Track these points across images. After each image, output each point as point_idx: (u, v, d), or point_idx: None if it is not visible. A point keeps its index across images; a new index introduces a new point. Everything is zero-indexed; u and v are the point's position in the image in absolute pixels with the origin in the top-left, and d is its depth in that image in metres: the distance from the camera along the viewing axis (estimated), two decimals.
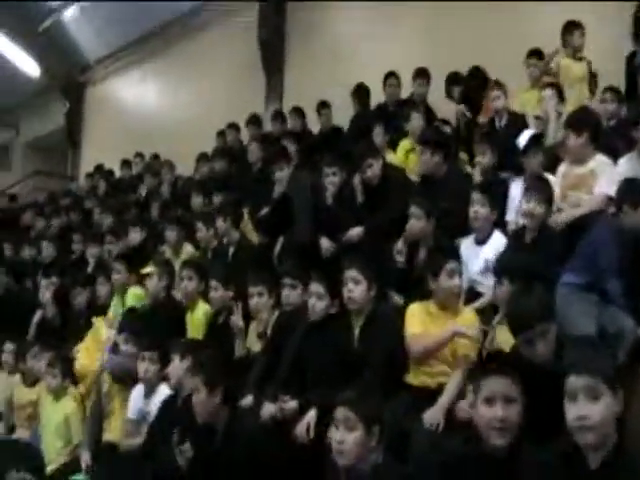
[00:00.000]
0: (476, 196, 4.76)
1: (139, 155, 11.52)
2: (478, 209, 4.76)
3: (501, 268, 4.04)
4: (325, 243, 6.09)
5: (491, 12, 8.29)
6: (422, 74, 8.02)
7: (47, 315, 7.32)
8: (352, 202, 6.20)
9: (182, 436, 3.88)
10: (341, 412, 2.95)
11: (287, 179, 6.76)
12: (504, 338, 3.83)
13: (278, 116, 9.64)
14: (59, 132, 16.49)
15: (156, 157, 11.45)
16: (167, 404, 4.60)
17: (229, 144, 9.82)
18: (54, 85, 15.73)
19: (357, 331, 4.22)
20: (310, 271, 4.66)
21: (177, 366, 4.52)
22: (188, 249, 6.92)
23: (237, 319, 5.07)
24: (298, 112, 9.29)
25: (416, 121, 6.82)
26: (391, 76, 8.33)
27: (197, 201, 8.11)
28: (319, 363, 4.20)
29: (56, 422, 5.34)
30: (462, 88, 7.32)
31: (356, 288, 4.20)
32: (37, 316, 7.50)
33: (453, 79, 7.65)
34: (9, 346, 6.46)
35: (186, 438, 3.87)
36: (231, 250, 6.47)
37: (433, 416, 3.69)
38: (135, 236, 7.43)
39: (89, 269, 7.91)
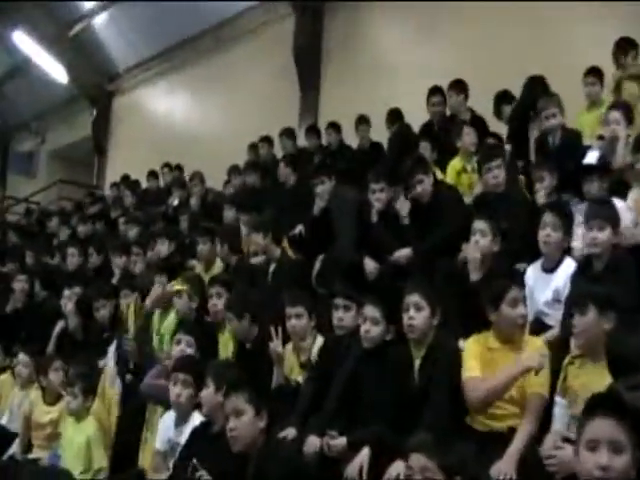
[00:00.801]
0: (548, 218, 4.31)
1: (167, 166, 11.19)
2: (550, 233, 4.29)
3: (581, 297, 3.56)
4: (370, 264, 5.70)
5: (535, 26, 7.95)
6: (455, 86, 7.60)
7: (69, 327, 6.95)
8: (399, 221, 5.83)
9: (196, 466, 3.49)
10: (418, 460, 2.55)
11: (328, 194, 6.36)
12: (583, 380, 3.39)
13: (312, 131, 9.30)
14: (85, 141, 16.29)
15: (179, 168, 11.13)
16: (197, 432, 4.18)
17: (262, 158, 9.47)
18: (82, 93, 15.51)
19: (417, 362, 3.82)
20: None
21: (211, 391, 4.12)
22: (219, 264, 6.56)
23: (276, 345, 4.61)
24: (334, 127, 8.95)
25: (469, 137, 6.44)
26: (436, 92, 7.82)
27: (229, 215, 7.76)
28: (373, 396, 3.81)
29: (77, 445, 4.93)
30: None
31: (418, 315, 3.81)
32: (58, 327, 7.11)
33: (502, 97, 7.23)
34: (23, 358, 6.02)
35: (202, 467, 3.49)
36: (272, 268, 6.10)
37: (503, 469, 3.21)
38: (163, 248, 7.06)
39: (114, 280, 7.56)
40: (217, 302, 5.36)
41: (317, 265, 6.20)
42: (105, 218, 10.25)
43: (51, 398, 5.47)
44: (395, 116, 8.21)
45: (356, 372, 3.96)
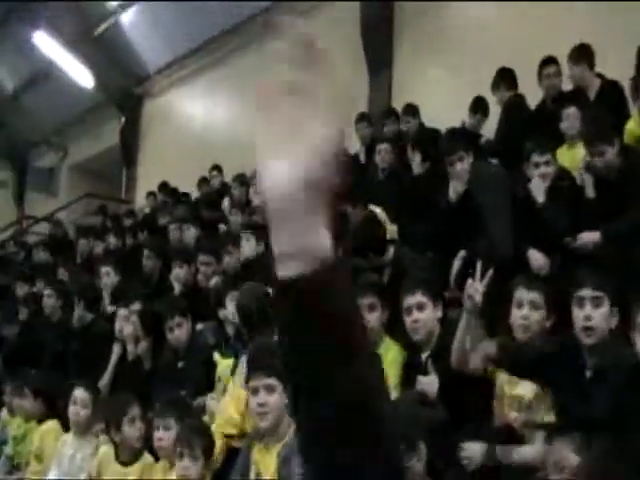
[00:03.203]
0: None
1: (216, 168, 9.81)
2: None
3: None
4: (537, 257, 4.29)
5: None
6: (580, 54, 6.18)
7: (128, 354, 5.52)
8: (572, 201, 4.41)
9: None
10: None
11: (469, 174, 4.93)
12: None
13: (391, 114, 7.91)
14: (110, 152, 14.91)
15: (217, 168, 9.90)
16: None
17: None
18: (109, 99, 14.17)
19: None
20: None
21: None
22: None
23: None
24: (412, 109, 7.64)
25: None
26: (550, 63, 6.43)
27: None
28: None
29: None
30: None
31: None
32: (115, 355, 5.70)
33: None
34: (81, 396, 4.53)
35: None
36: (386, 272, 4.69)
37: None
38: (248, 246, 5.63)
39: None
40: None
41: (456, 264, 4.76)
42: (149, 229, 8.84)
43: (127, 455, 3.97)
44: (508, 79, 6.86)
45: None
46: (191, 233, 7.26)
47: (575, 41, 6.30)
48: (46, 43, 13.40)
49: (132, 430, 3.86)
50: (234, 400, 3.75)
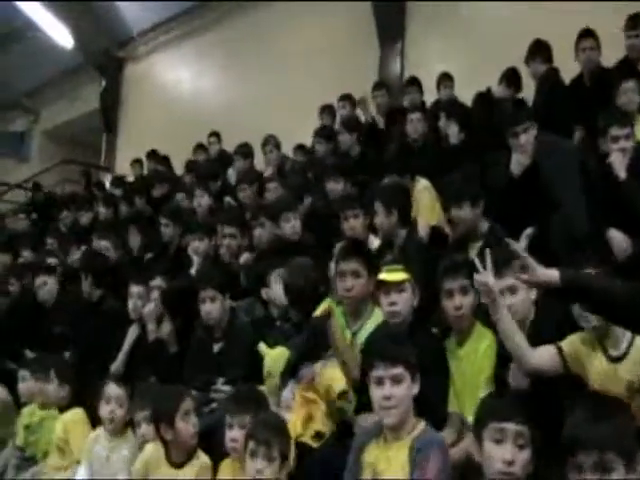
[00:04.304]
0: None
1: (214, 135, 9.26)
2: None
3: None
4: (618, 237, 3.95)
5: None
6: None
7: (148, 335, 5.05)
8: None
9: None
10: None
11: (535, 146, 4.54)
12: None
13: (414, 84, 7.50)
14: (87, 118, 14.28)
15: (216, 135, 9.35)
16: None
17: (346, 118, 7.58)
18: (88, 61, 13.42)
19: None
20: None
21: None
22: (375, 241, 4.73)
23: None
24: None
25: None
26: (587, 36, 6.09)
27: (336, 188, 5.85)
28: None
29: None
30: None
31: None
32: (130, 337, 5.22)
33: None
34: (116, 392, 3.99)
35: None
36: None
37: None
38: (290, 225, 5.16)
39: (192, 271, 5.64)
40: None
41: (523, 242, 4.37)
42: (147, 197, 8.29)
43: (180, 455, 3.45)
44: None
45: None
46: (204, 202, 6.73)
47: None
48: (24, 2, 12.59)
49: (186, 426, 3.39)
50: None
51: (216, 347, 4.43)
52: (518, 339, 2.89)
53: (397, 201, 4.53)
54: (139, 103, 13.23)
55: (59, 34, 12.91)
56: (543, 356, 2.90)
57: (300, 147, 8.07)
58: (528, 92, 6.59)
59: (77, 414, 4.30)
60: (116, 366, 5.16)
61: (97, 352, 5.37)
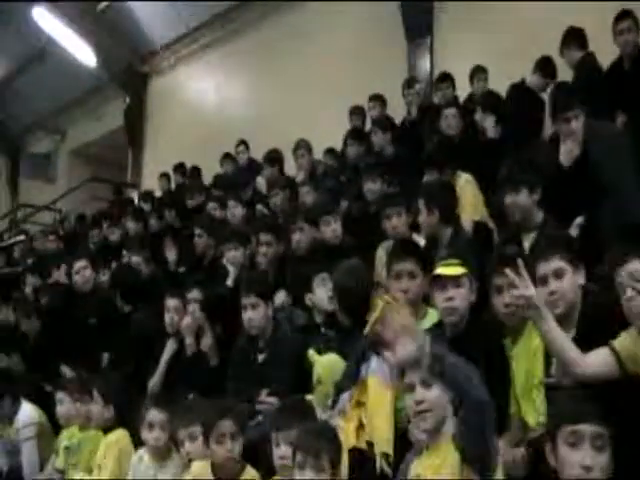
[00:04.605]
0: None
1: (242, 143, 9.11)
2: None
3: None
4: None
5: None
6: None
7: (186, 351, 4.88)
8: None
9: None
10: None
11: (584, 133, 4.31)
12: None
13: (447, 80, 7.31)
14: (113, 135, 14.17)
15: (244, 143, 9.18)
16: None
17: (378, 118, 7.39)
18: (112, 77, 13.37)
19: None
20: None
21: None
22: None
23: None
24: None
25: None
26: (623, 18, 5.82)
27: (374, 188, 5.65)
28: None
29: None
30: None
31: None
32: (168, 353, 5.05)
33: None
34: (159, 416, 3.82)
35: None
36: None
37: None
38: (331, 229, 4.97)
39: (229, 282, 5.47)
40: None
41: (573, 232, 4.15)
42: (177, 210, 8.15)
43: (228, 473, 3.25)
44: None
45: None
46: (238, 212, 6.58)
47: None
48: (45, 19, 12.58)
49: (219, 449, 3.18)
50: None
51: (260, 357, 4.25)
52: (567, 347, 2.70)
53: (439, 199, 4.33)
54: (164, 117, 13.12)
55: (82, 52, 12.86)
56: (597, 362, 2.69)
57: (330, 151, 7.91)
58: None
59: (120, 435, 4.13)
60: (154, 382, 5.03)
61: (133, 368, 5.25)
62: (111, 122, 14.05)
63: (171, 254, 6.70)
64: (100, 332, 5.84)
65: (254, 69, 11.08)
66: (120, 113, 13.66)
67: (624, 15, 5.91)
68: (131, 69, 13.24)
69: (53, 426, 5.07)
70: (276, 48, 10.57)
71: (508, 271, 2.70)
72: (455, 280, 3.21)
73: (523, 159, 4.42)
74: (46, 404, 5.20)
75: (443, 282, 3.22)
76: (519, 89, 6.63)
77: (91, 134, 14.83)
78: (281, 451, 3.00)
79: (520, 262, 2.70)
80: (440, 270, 3.25)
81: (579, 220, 4.14)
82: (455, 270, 3.23)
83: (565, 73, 6.45)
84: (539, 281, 2.94)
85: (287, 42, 10.35)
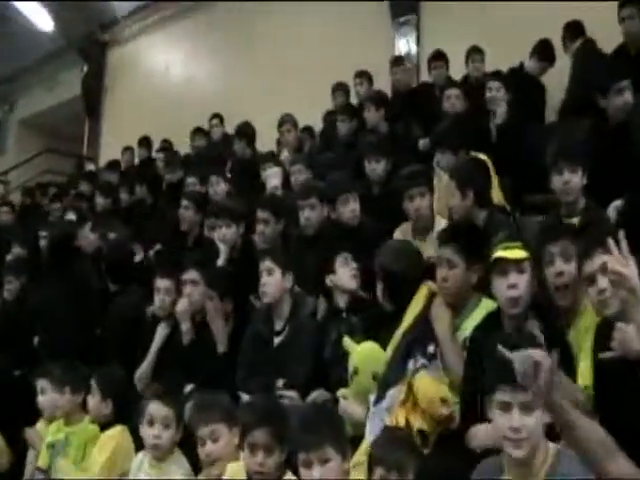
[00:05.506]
0: None
1: (216, 117, 8.66)
2: None
3: None
4: None
5: None
6: None
7: (183, 338, 4.47)
8: None
9: None
10: None
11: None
12: None
13: (440, 59, 7.01)
14: (68, 105, 13.45)
15: (218, 117, 8.77)
16: None
17: (371, 93, 7.04)
18: (69, 45, 12.66)
19: None
20: None
21: None
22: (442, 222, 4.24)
23: None
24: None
25: None
26: (626, 4, 5.70)
27: (378, 168, 5.29)
28: None
29: None
30: None
31: None
32: (160, 338, 4.63)
33: None
34: (161, 411, 3.39)
35: None
36: None
37: None
38: (349, 209, 4.60)
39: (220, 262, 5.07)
40: None
41: (611, 215, 3.91)
42: (152, 185, 7.67)
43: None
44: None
45: None
46: (221, 188, 6.16)
47: None
48: None
49: (269, 458, 2.74)
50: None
51: (276, 341, 3.88)
52: None
53: (474, 180, 4.02)
54: (124, 88, 12.51)
55: (37, 16, 12.15)
56: None
57: (306, 129, 7.55)
58: None
59: (118, 432, 3.72)
60: (142, 372, 4.58)
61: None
62: (67, 91, 13.36)
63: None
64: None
65: (222, 44, 10.58)
66: (77, 82, 12.99)
67: (629, 1, 5.75)
68: (91, 36, 12.57)
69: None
70: (243, 24, 10.12)
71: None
72: (518, 264, 2.89)
73: (577, 139, 4.15)
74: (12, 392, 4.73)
75: (503, 267, 2.89)
76: (517, 74, 6.42)
77: (45, 103, 14.09)
78: (315, 473, 2.53)
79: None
80: (500, 253, 2.91)
81: (617, 203, 3.90)
82: (518, 253, 2.90)
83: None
84: (586, 282, 2.66)
85: (253, 19, 9.90)
